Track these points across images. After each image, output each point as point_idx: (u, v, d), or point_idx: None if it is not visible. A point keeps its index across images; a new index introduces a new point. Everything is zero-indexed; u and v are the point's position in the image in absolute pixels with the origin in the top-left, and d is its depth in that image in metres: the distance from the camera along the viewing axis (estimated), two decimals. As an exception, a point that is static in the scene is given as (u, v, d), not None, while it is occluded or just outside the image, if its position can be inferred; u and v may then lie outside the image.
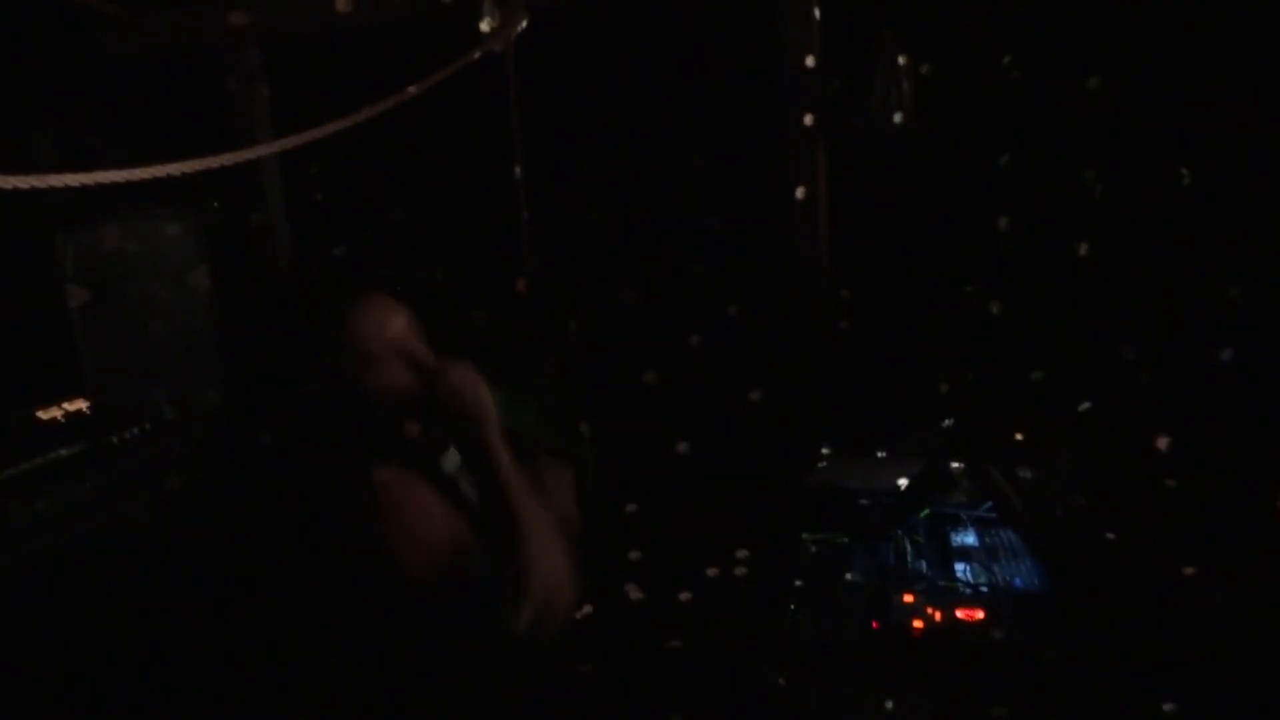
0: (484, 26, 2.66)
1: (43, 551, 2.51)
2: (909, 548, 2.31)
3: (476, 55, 2.58)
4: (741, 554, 2.90)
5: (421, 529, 1.46)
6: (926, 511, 2.44)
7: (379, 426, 1.57)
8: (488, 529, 1.47)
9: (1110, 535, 2.34)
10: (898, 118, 2.66)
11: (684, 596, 2.95)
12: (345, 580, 1.55)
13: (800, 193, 2.79)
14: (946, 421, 2.87)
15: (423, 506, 1.49)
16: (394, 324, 1.58)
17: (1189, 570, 2.34)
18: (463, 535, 1.47)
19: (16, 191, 1.43)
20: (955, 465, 2.59)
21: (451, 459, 1.61)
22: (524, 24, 2.69)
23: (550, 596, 1.46)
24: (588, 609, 2.88)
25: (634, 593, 3.03)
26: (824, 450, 2.76)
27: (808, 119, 2.76)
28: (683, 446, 3.14)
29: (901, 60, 2.67)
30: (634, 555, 3.09)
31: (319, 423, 1.62)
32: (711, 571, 2.94)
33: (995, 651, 1.90)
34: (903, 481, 2.47)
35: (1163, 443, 2.63)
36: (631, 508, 3.10)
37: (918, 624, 2.01)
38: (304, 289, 1.72)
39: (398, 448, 1.57)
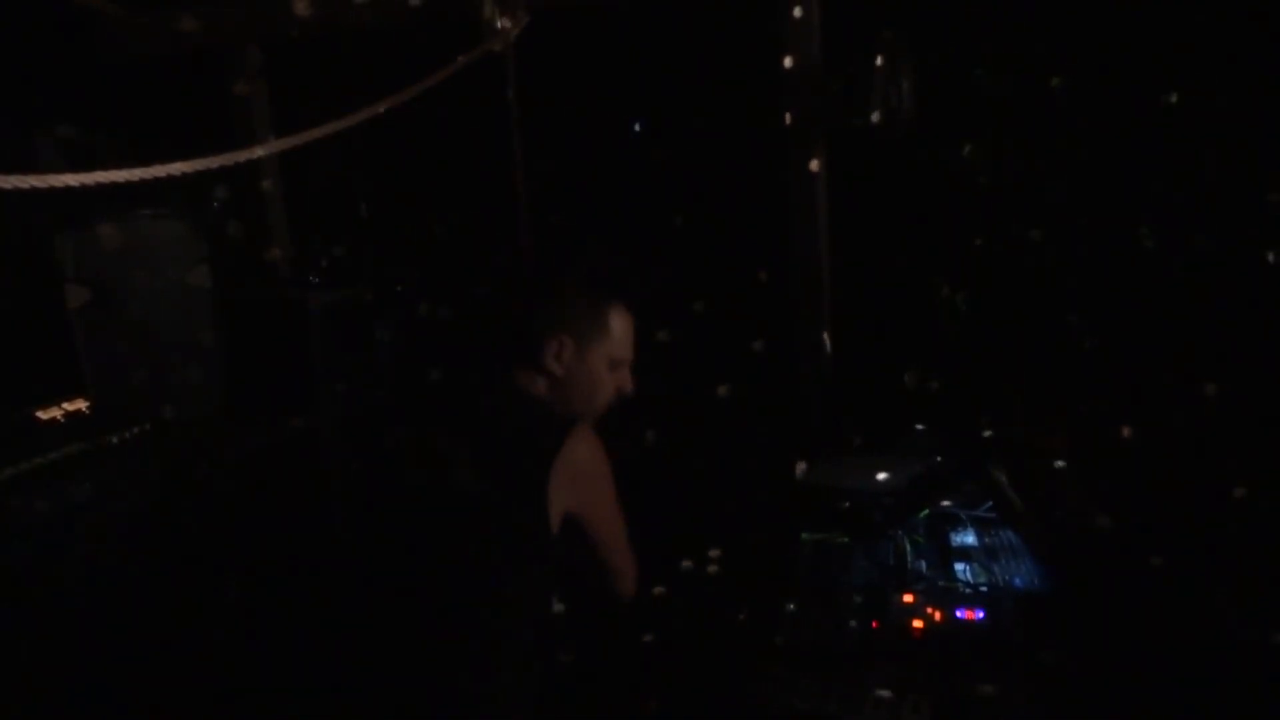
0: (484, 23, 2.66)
1: (43, 551, 2.51)
2: (909, 548, 2.30)
3: (473, 56, 2.58)
4: (737, 550, 2.89)
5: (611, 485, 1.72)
6: (926, 511, 2.44)
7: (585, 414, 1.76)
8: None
9: (1109, 531, 2.34)
10: (898, 116, 2.66)
11: (682, 594, 2.94)
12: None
13: (815, 165, 2.79)
14: (945, 421, 2.86)
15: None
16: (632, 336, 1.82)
17: (1191, 568, 2.34)
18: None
19: (16, 191, 1.43)
20: (955, 465, 2.58)
21: None
22: (524, 24, 2.70)
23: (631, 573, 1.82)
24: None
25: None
26: (823, 450, 2.76)
27: (805, 116, 2.76)
28: (680, 436, 3.14)
29: (901, 60, 2.67)
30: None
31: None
32: (710, 569, 2.93)
33: (995, 651, 1.90)
34: (902, 481, 2.47)
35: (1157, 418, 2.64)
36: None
37: (918, 624, 2.01)
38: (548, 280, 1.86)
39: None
